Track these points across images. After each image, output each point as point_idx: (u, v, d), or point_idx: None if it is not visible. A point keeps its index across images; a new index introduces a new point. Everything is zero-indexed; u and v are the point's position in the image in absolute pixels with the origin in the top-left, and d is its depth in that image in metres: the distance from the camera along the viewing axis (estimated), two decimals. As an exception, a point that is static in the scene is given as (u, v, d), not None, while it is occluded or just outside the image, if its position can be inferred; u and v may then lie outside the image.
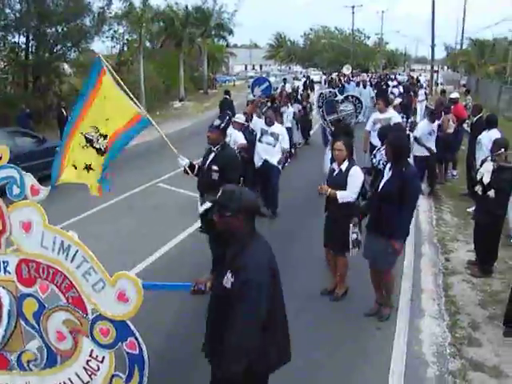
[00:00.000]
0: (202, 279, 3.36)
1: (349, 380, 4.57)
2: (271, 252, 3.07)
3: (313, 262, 6.87)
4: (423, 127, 10.33)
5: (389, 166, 5.36)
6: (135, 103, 5.48)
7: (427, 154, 10.00)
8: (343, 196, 5.62)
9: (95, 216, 9.33)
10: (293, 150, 14.48)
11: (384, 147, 6.77)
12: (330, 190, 5.68)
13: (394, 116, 9.84)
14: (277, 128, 9.10)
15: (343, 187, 5.64)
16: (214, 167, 5.79)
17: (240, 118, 9.54)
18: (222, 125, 5.90)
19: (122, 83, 5.63)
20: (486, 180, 6.44)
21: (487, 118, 9.53)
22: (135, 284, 3.13)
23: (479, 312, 5.77)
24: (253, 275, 2.81)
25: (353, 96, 10.87)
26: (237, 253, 2.94)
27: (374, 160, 7.33)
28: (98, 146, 5.26)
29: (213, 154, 5.91)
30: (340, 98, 10.60)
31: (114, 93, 5.34)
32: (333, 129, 10.51)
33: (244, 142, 9.04)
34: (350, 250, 5.67)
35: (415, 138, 10.24)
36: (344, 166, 5.69)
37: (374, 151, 7.83)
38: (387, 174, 5.29)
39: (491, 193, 6.38)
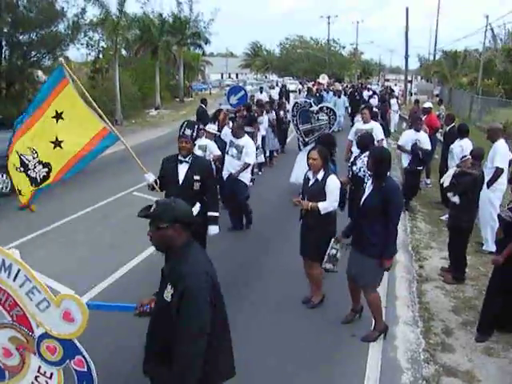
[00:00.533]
0: (146, 300, 3.31)
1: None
2: (210, 262, 3.05)
3: (289, 270, 6.88)
4: (407, 136, 10.45)
5: (370, 180, 5.27)
6: (102, 118, 5.34)
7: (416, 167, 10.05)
8: (325, 207, 5.58)
9: (69, 225, 9.22)
10: (267, 159, 14.59)
11: (364, 155, 6.88)
12: (310, 204, 5.63)
13: (375, 127, 9.90)
14: (242, 141, 8.77)
15: (320, 197, 5.60)
16: (196, 177, 5.74)
17: (212, 127, 9.60)
18: (194, 134, 5.84)
19: (88, 95, 5.49)
20: (446, 184, 6.71)
21: (459, 127, 9.73)
22: (80, 305, 3.15)
23: (452, 318, 5.86)
24: (192, 283, 2.77)
25: (327, 107, 10.97)
26: (175, 264, 2.91)
27: (355, 167, 7.35)
28: (32, 175, 5.08)
29: (186, 165, 5.79)
30: (315, 108, 10.70)
31: (77, 107, 5.16)
32: (306, 139, 10.61)
33: (219, 153, 9.12)
34: (322, 263, 5.64)
35: (398, 147, 10.44)
36: (320, 176, 5.67)
37: (352, 158, 7.90)
38: (368, 189, 5.19)
39: (456, 199, 6.59)
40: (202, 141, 8.88)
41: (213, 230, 5.94)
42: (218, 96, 40.55)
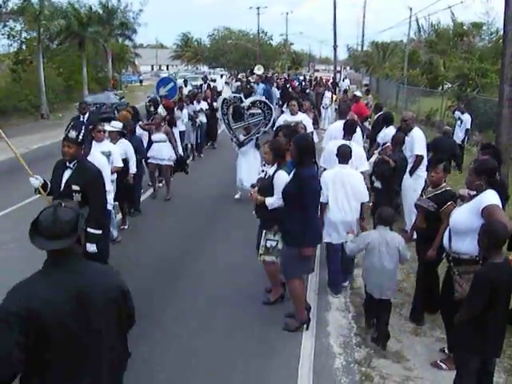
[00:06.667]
0: None
1: (260, 376, 4.62)
2: (61, 295, 2.47)
3: (220, 266, 6.87)
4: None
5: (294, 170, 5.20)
6: None
7: None
8: (271, 203, 5.41)
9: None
10: (193, 151, 14.27)
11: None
12: (259, 197, 5.54)
13: (304, 119, 9.48)
14: (106, 145, 7.44)
15: (269, 192, 5.47)
16: (75, 187, 4.99)
17: (115, 125, 8.16)
18: (80, 137, 5.00)
19: None
20: (369, 169, 7.15)
21: (384, 116, 10.05)
22: None
23: (382, 301, 6.02)
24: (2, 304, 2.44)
25: (261, 101, 10.02)
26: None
27: None
28: None
29: (69, 171, 5.07)
30: (246, 103, 9.84)
31: None
32: (240, 138, 9.86)
33: (121, 164, 7.62)
34: (258, 255, 5.66)
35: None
36: (272, 170, 5.59)
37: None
38: (291, 176, 5.18)
39: (378, 184, 7.07)
40: (105, 144, 7.46)
41: (88, 247, 4.98)
42: (150, 87, 39.77)
